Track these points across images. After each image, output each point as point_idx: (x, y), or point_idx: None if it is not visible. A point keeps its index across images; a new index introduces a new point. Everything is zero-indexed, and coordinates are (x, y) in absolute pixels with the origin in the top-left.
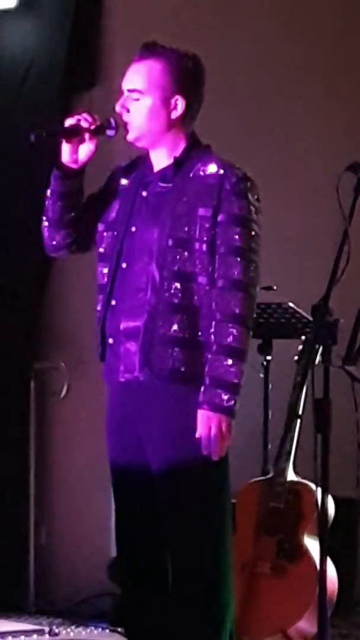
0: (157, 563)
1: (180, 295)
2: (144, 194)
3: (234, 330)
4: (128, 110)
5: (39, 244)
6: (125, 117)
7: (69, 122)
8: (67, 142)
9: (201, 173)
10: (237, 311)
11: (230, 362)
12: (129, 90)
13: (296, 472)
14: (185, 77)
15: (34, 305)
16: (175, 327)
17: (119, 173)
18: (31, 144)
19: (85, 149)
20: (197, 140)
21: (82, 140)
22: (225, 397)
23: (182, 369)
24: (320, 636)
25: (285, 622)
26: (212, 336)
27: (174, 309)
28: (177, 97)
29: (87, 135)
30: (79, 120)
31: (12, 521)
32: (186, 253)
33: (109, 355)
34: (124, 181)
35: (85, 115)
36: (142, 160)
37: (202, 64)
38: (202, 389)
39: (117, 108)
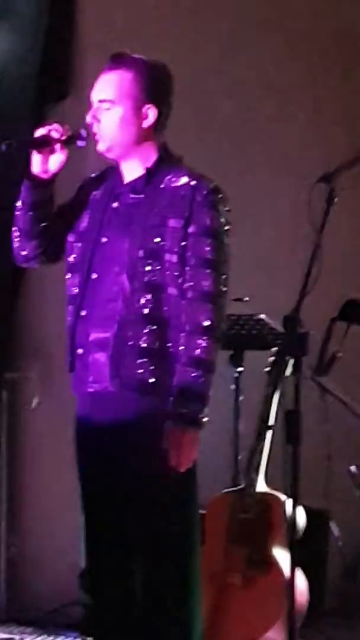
0: (126, 573)
1: (150, 306)
2: (115, 205)
3: (203, 342)
4: (99, 121)
5: (10, 254)
6: (96, 127)
7: (39, 132)
8: (38, 152)
9: (172, 184)
10: (206, 323)
11: (198, 373)
12: (100, 101)
13: (267, 483)
14: (156, 86)
15: (6, 315)
16: (144, 338)
17: (90, 184)
18: (2, 153)
19: (56, 160)
20: (169, 151)
21: (53, 151)
22: (193, 409)
23: (151, 380)
24: None
25: (254, 632)
26: (181, 347)
27: (144, 320)
28: (148, 105)
29: (57, 146)
30: (49, 130)
31: None
32: (157, 264)
33: (78, 365)
34: (94, 192)
35: (55, 125)
36: (112, 171)
37: (170, 73)
38: (171, 400)
39: (88, 119)
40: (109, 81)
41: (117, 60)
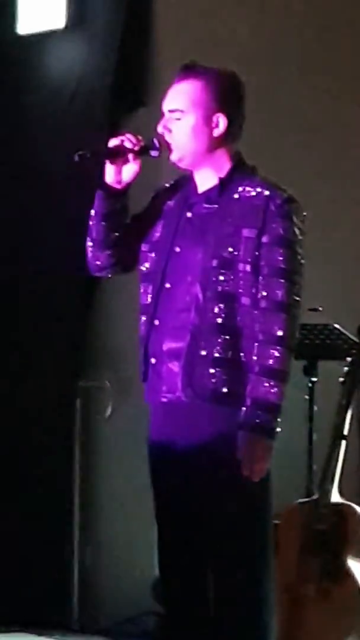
0: (200, 583)
1: (223, 315)
2: (189, 214)
3: (276, 352)
4: (170, 131)
5: (84, 264)
6: (168, 137)
7: (112, 142)
8: (111, 162)
9: (246, 194)
10: (279, 333)
11: (271, 383)
12: (170, 111)
13: (341, 494)
14: (225, 95)
15: (80, 324)
16: (217, 347)
17: (163, 193)
18: (75, 163)
19: (129, 170)
20: (243, 160)
21: (126, 161)
22: (266, 419)
23: (224, 390)
24: None
25: None
26: (255, 357)
27: (217, 330)
28: (219, 114)
29: (130, 156)
30: (122, 141)
31: (57, 541)
32: (230, 274)
33: (151, 375)
34: (168, 202)
35: (128, 136)
36: (186, 181)
37: (241, 81)
38: (243, 410)
39: (159, 129)
40: (180, 91)
41: (188, 70)
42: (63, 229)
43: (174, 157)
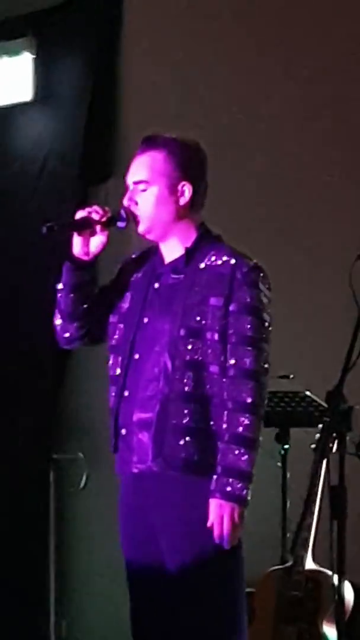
0: None
1: (192, 384)
2: (156, 285)
3: (246, 420)
4: (136, 203)
5: (53, 337)
6: (134, 209)
7: (79, 214)
8: (79, 234)
9: (213, 263)
10: (248, 400)
11: (241, 450)
12: (135, 183)
13: (315, 560)
14: (189, 163)
15: (52, 396)
16: (187, 416)
17: (130, 265)
18: (43, 236)
19: (97, 241)
20: (208, 230)
21: (94, 233)
22: (238, 486)
23: (195, 458)
24: None
25: None
26: (224, 425)
27: (186, 399)
28: (183, 182)
29: (98, 228)
30: (89, 212)
31: (33, 615)
32: (198, 342)
33: (121, 446)
34: (135, 273)
35: (95, 207)
36: (153, 251)
37: (203, 151)
38: (214, 477)
39: (125, 202)
40: (142, 163)
41: (149, 142)
42: (36, 301)
43: (141, 229)
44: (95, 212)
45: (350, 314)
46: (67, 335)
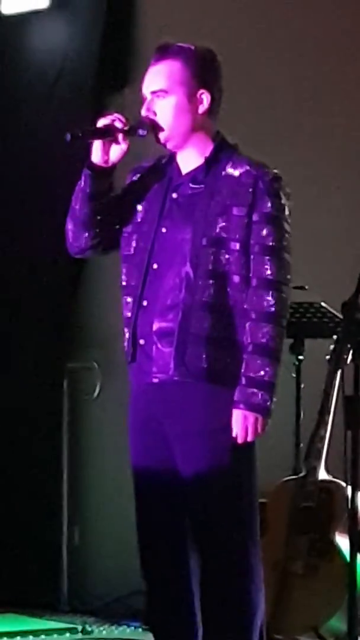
0: (183, 563)
1: (214, 294)
2: (174, 195)
3: (269, 329)
4: (155, 113)
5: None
6: (153, 119)
7: (103, 122)
8: (102, 141)
9: (233, 173)
10: (271, 310)
11: (265, 361)
12: (152, 92)
13: (328, 471)
14: (205, 71)
15: (67, 305)
16: (209, 326)
17: (142, 175)
18: (67, 143)
19: (117, 150)
20: (224, 139)
21: (115, 141)
22: (262, 397)
23: (217, 367)
24: (350, 634)
25: (317, 620)
26: (247, 335)
27: (208, 308)
28: (202, 91)
29: (120, 136)
30: (113, 120)
31: (45, 521)
32: (221, 252)
33: (139, 356)
34: (148, 184)
35: (118, 115)
36: (166, 162)
37: (217, 58)
38: (238, 388)
39: (143, 112)
40: (159, 72)
41: (164, 51)
42: (49, 211)
43: (161, 137)
44: (118, 120)
45: None
46: (78, 244)
